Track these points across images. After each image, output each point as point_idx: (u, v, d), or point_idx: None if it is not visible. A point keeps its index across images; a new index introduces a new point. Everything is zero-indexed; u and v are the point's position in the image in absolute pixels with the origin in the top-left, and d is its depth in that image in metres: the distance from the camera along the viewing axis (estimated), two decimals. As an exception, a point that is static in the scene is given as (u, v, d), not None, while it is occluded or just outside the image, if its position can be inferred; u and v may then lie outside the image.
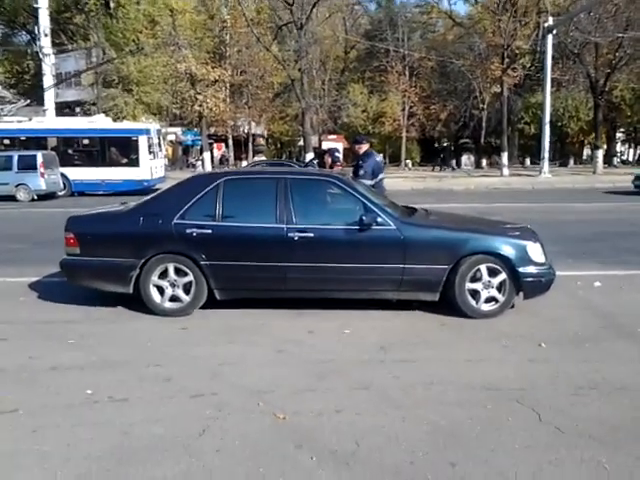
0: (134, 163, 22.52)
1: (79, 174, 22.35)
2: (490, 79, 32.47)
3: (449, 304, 5.86)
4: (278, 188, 5.89)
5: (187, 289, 5.92)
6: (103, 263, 5.95)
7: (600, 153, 30.33)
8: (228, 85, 37.36)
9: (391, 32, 42.22)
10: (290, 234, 5.74)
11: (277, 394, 4.04)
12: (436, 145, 45.62)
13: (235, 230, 5.85)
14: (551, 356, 4.77)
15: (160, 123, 32.55)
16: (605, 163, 32.22)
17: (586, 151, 49.12)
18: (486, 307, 5.83)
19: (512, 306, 5.91)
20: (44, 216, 15.94)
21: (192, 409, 3.82)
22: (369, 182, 7.43)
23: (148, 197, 6.26)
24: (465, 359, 4.72)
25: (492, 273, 5.78)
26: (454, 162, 42.23)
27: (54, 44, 34.85)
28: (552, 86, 29.69)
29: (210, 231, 5.81)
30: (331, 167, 7.70)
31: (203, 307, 6.02)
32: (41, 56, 27.09)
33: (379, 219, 5.74)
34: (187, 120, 36.91)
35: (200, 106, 29.87)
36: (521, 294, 5.89)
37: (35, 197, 20.67)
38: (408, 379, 4.29)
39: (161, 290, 5.93)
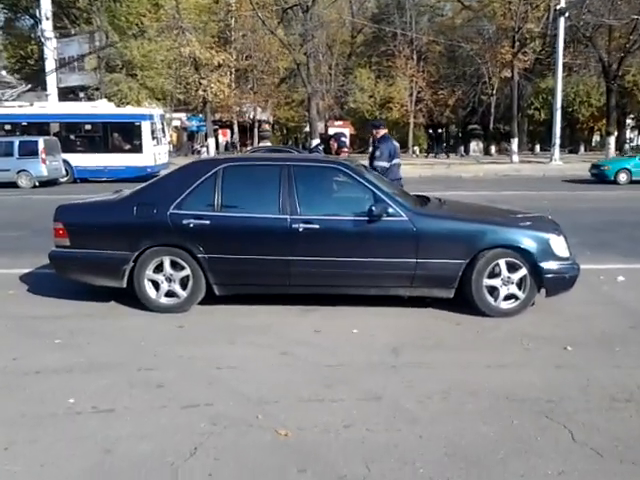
0: (137, 149, 22.09)
1: (81, 160, 21.93)
2: (500, 63, 31.75)
3: (465, 301, 5.46)
4: (281, 176, 5.48)
5: (184, 284, 5.53)
6: (94, 256, 5.57)
7: (612, 139, 29.64)
8: (233, 70, 36.85)
9: (398, 16, 41.38)
10: (294, 225, 5.34)
11: (279, 405, 3.66)
12: (430, 131, 44.73)
13: (235, 221, 5.46)
14: (579, 361, 4.37)
15: (164, 109, 32.12)
16: (616, 150, 31.55)
17: (595, 137, 48.35)
18: (505, 305, 5.42)
19: (532, 303, 5.50)
20: (45, 203, 15.49)
21: (184, 422, 3.44)
22: (385, 164, 7.07)
23: (142, 185, 5.86)
24: (484, 364, 4.32)
25: (512, 268, 5.36)
26: (462, 148, 41.57)
27: (57, 28, 34.39)
28: (563, 71, 28.96)
29: (208, 222, 5.41)
30: (337, 153, 7.28)
31: (202, 303, 5.64)
32: (43, 40, 26.65)
33: (390, 209, 5.33)
34: (192, 106, 36.39)
35: (204, 91, 29.31)
36: (542, 291, 5.47)
37: (37, 184, 20.31)
38: (423, 387, 3.89)
39: (156, 285, 5.55)
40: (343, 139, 7.36)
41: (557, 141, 28.01)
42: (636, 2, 27.23)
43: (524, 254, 5.33)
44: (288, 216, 5.37)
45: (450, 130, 53.76)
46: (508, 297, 5.42)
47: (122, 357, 4.48)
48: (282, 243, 5.40)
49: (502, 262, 5.35)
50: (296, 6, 30.79)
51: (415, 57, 40.60)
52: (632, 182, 20.33)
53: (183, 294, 5.54)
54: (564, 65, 29.73)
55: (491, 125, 41.24)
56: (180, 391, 3.88)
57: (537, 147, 42.96)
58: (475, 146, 40.83)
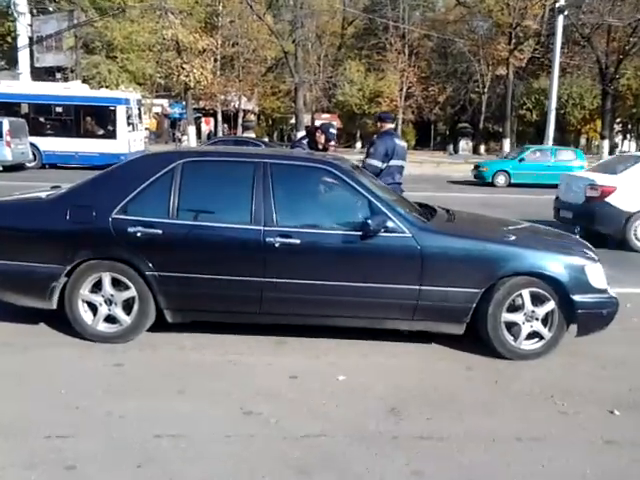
0: (111, 135, 20.72)
1: (51, 144, 20.52)
2: (495, 60, 30.79)
3: (476, 337, 4.42)
4: (255, 176, 4.36)
5: (128, 307, 4.41)
6: (16, 269, 4.41)
7: (606, 143, 28.85)
8: (219, 57, 35.46)
9: (391, 9, 40.22)
10: (269, 239, 4.23)
11: (233, 508, 2.57)
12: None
13: (194, 231, 4.34)
14: (634, 434, 3.33)
15: (144, 93, 30.72)
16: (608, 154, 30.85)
17: (582, 141, 47.69)
18: (527, 345, 4.38)
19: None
20: (7, 190, 14.27)
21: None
22: (377, 163, 5.93)
23: (79, 182, 4.70)
24: (513, 435, 3.28)
25: (537, 301, 4.33)
26: (451, 147, 40.64)
27: (37, 6, 32.75)
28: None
29: (160, 231, 4.28)
30: (325, 148, 6.14)
31: (149, 329, 4.52)
32: (15, 15, 25.01)
33: (389, 223, 4.24)
34: (174, 91, 34.96)
35: (186, 76, 27.96)
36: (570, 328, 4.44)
37: (0, 168, 18.90)
38: (438, 477, 2.83)
39: (93, 308, 4.42)
40: (332, 131, 6.19)
41: (550, 143, 27.07)
42: (638, 3, 26.38)
43: (553, 284, 4.28)
44: (262, 227, 4.27)
45: (438, 128, 52.90)
46: (531, 335, 4.38)
47: (30, 414, 3.35)
48: (253, 261, 4.30)
49: (526, 293, 4.30)
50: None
51: (406, 52, 39.45)
52: (511, 185, 19.61)
53: (126, 320, 4.41)
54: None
55: (481, 124, 40.34)
56: (97, 477, 2.77)
57: (527, 148, 42.09)
58: (465, 145, 39.93)
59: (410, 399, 3.65)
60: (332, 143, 6.33)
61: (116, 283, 4.38)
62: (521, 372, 4.16)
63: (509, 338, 4.35)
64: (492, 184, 19.67)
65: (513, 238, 4.51)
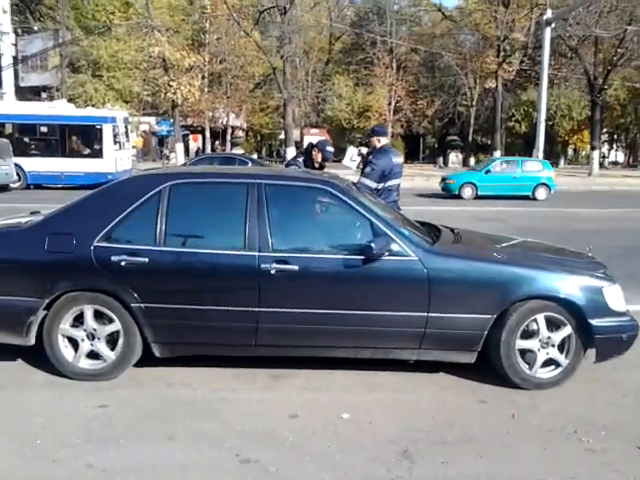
0: (97, 154, 20.33)
1: (36, 165, 20.10)
2: (484, 73, 30.81)
3: (486, 364, 4.13)
4: (248, 198, 4.06)
5: (112, 342, 4.08)
6: (-10, 302, 4.07)
7: (596, 154, 28.88)
8: (206, 74, 35.29)
9: (378, 24, 40.35)
10: (264, 265, 3.93)
11: None
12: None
13: (183, 258, 4.03)
14: (670, 476, 3.03)
15: (132, 112, 30.43)
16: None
17: (570, 151, 47.84)
18: (543, 374, 4.09)
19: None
20: (-13, 213, 13.93)
21: None
22: (371, 184, 5.58)
23: (58, 208, 4.37)
24: (538, 479, 2.96)
25: (553, 326, 4.04)
26: (441, 160, 40.57)
27: (21, 25, 32.52)
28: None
29: (147, 259, 3.96)
30: (321, 167, 5.85)
31: (138, 363, 4.18)
32: (-1, 34, 24.73)
33: (394, 246, 3.95)
34: (161, 109, 34.69)
35: (174, 94, 27.69)
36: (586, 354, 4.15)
37: (-16, 190, 18.51)
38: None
39: (75, 343, 4.09)
40: (329, 149, 5.87)
41: (540, 155, 27.02)
42: (624, 14, 26.52)
43: (570, 308, 4.00)
44: (256, 253, 3.96)
45: (427, 141, 52.92)
46: (547, 363, 4.09)
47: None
48: (247, 289, 3.98)
49: (541, 318, 4.02)
50: (273, 7, 29.38)
51: (394, 66, 39.52)
52: (478, 197, 19.37)
53: (111, 356, 4.07)
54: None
55: (470, 137, 40.35)
56: None
57: (517, 160, 42.14)
58: (454, 157, 39.78)
59: (423, 440, 3.33)
60: (330, 161, 6.03)
61: (99, 316, 4.05)
62: (539, 404, 3.85)
63: (524, 366, 4.05)
64: (459, 196, 19.35)
65: (525, 259, 4.23)
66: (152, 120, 39.44)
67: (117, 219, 4.03)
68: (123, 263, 3.95)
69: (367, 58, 40.05)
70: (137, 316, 3.99)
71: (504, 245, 4.64)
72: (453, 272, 3.98)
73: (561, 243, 5.50)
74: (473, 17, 35.50)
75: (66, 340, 4.08)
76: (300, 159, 5.83)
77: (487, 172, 19.99)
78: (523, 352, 4.06)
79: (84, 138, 20.72)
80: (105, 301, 4.00)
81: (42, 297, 3.99)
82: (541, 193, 19.54)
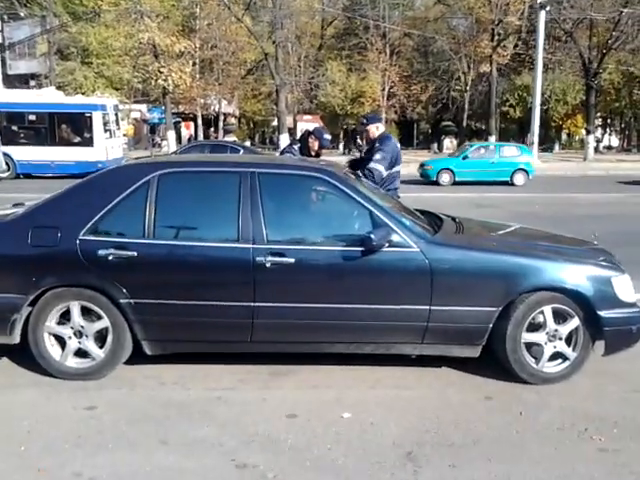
0: (87, 142, 20.01)
1: (25, 154, 19.76)
2: (478, 57, 30.49)
3: (490, 357, 3.98)
4: (242, 188, 3.87)
5: (101, 339, 3.90)
6: (-29, 300, 3.87)
7: (591, 138, 28.72)
8: (197, 60, 34.80)
9: (371, 7, 39.85)
10: (259, 258, 3.74)
11: None
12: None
13: (174, 251, 3.83)
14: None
15: (122, 99, 30.01)
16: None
17: (564, 136, 47.64)
18: (550, 368, 3.94)
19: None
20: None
21: None
22: (383, 171, 5.34)
23: (42, 200, 4.16)
24: (550, 485, 2.82)
25: (560, 318, 3.89)
26: (435, 145, 40.33)
27: (7, 12, 31.96)
28: (540, 67, 27.82)
29: (135, 253, 3.77)
30: (317, 155, 5.64)
31: (128, 362, 4.01)
32: (-16, 21, 24.20)
33: (394, 237, 3.77)
34: (152, 97, 34.24)
35: (164, 80, 27.25)
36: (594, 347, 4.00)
37: (-28, 180, 18.20)
38: None
39: (61, 341, 3.90)
40: (326, 136, 5.65)
41: (536, 139, 26.90)
42: (619, -4, 26.28)
43: (578, 299, 3.84)
44: (250, 245, 3.77)
45: (421, 126, 52.61)
46: (554, 356, 3.94)
47: (-17, 478, 2.83)
48: (241, 283, 3.80)
49: (548, 310, 3.86)
50: (264, -8, 28.93)
51: (388, 51, 39.04)
52: (456, 183, 19.21)
53: (99, 354, 3.89)
54: (541, 61, 28.62)
55: (464, 122, 40.08)
56: None
57: (511, 145, 41.96)
58: (449, 143, 39.56)
59: (428, 441, 3.18)
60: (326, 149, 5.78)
61: (86, 313, 3.86)
62: (547, 400, 3.71)
63: (530, 360, 3.90)
64: (437, 182, 19.13)
65: (531, 248, 4.06)
66: (143, 108, 38.99)
67: (104, 211, 3.83)
68: (110, 257, 3.76)
69: (360, 43, 39.58)
70: (126, 312, 3.81)
71: (501, 232, 4.48)
72: (456, 263, 3.80)
73: (560, 230, 5.35)
74: (467, 1, 35.12)
75: (52, 338, 3.90)
76: (296, 147, 5.61)
77: (464, 158, 19.84)
78: (529, 346, 3.91)
79: (74, 126, 20.41)
80: (92, 297, 3.82)
81: (26, 293, 3.80)
82: (519, 179, 19.40)
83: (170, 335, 3.93)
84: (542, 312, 3.86)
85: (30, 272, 3.81)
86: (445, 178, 19.32)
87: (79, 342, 3.89)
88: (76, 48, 31.09)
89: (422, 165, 20.33)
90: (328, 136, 5.68)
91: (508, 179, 19.34)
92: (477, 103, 38.84)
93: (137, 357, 3.99)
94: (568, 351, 3.92)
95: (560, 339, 3.90)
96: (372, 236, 3.69)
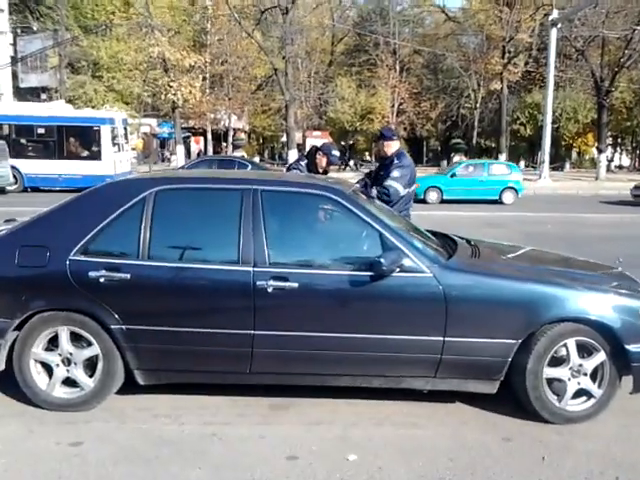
0: (96, 156, 19.96)
1: (33, 167, 19.73)
2: (490, 74, 30.33)
3: (506, 392, 3.68)
4: (243, 206, 3.62)
5: (91, 367, 3.64)
6: (-48, 323, 3.63)
7: (604, 157, 28.41)
8: (208, 75, 34.88)
9: (381, 24, 39.93)
10: (260, 282, 3.48)
11: None
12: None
13: (170, 274, 3.58)
14: None
15: (132, 113, 30.06)
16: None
17: (574, 154, 47.35)
18: (574, 406, 3.63)
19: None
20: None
21: None
22: (401, 189, 5.09)
23: (31, 218, 3.93)
24: None
25: (585, 352, 3.60)
26: (445, 163, 40.11)
27: (20, 25, 32.23)
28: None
29: (128, 275, 3.52)
30: (325, 172, 5.39)
31: (120, 391, 3.75)
32: (-4, 34, 24.35)
33: (406, 261, 3.50)
34: (162, 111, 34.27)
35: (174, 95, 27.26)
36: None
37: (-21, 192, 18.12)
38: None
39: (49, 369, 3.65)
40: (335, 153, 5.40)
41: (547, 158, 26.62)
42: (631, 15, 26.06)
43: (604, 331, 3.55)
44: (251, 268, 3.52)
45: (430, 144, 52.47)
46: (577, 394, 3.64)
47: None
48: (241, 309, 3.54)
49: (571, 343, 3.57)
50: (275, 7, 28.98)
51: (397, 67, 39.09)
52: (444, 201, 18.80)
53: (89, 383, 3.63)
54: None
55: (474, 140, 39.90)
56: None
57: (522, 163, 41.79)
58: (459, 160, 39.38)
59: (442, 489, 2.89)
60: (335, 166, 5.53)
61: (76, 339, 3.62)
62: (571, 442, 3.40)
63: (552, 398, 3.60)
64: (424, 201, 18.60)
65: (554, 275, 3.78)
66: (153, 122, 39.09)
67: (96, 230, 3.59)
68: (102, 279, 3.51)
69: (370, 60, 39.63)
70: (118, 339, 3.55)
71: (528, 259, 4.20)
72: (473, 291, 3.53)
73: (571, 252, 5.07)
74: (477, 18, 35.06)
75: (39, 365, 3.65)
76: (303, 163, 5.36)
77: (452, 175, 19.58)
78: (550, 381, 3.61)
79: (82, 140, 20.36)
80: (82, 322, 3.57)
81: (12, 317, 3.55)
82: (508, 197, 19.12)
83: (164, 364, 3.66)
84: (565, 345, 3.57)
85: (16, 294, 3.58)
86: (433, 196, 18.97)
87: (67, 370, 3.63)
88: (87, 62, 31.26)
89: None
90: (337, 152, 5.44)
91: (497, 197, 19.06)
92: (487, 121, 38.66)
93: (130, 386, 3.73)
94: (593, 388, 3.62)
95: (585, 375, 3.60)
96: (382, 260, 3.43)
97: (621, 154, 52.17)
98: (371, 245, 3.63)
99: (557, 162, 40.02)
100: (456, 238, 4.44)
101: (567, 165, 40.57)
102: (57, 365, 3.62)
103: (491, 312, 3.52)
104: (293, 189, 3.90)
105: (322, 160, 5.32)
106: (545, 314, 3.52)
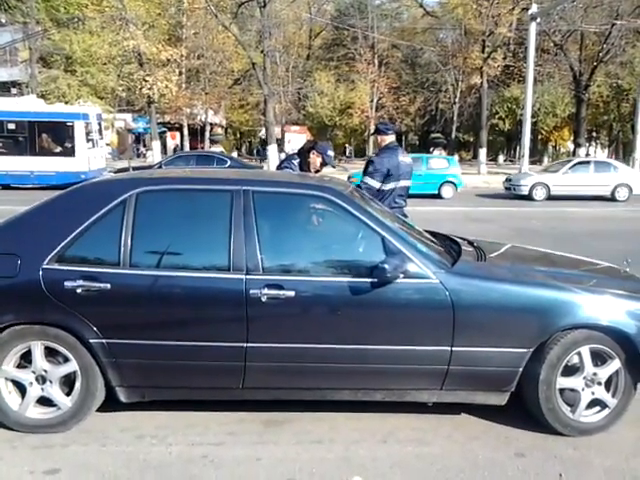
0: (69, 152, 19.36)
1: (4, 164, 19.06)
2: (470, 68, 30.26)
3: (516, 404, 3.47)
4: (233, 208, 3.34)
5: (68, 385, 3.34)
6: None
7: (582, 151, 28.56)
8: (184, 70, 34.29)
9: (359, 18, 39.65)
10: (253, 291, 3.20)
11: None
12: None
13: (154, 283, 3.27)
14: None
15: (107, 108, 29.39)
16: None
17: (550, 149, 47.69)
18: (588, 417, 3.43)
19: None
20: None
21: None
22: (375, 184, 5.02)
23: (1, 221, 3.59)
24: None
25: (599, 360, 3.39)
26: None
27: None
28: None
29: (108, 285, 3.21)
30: (317, 172, 5.12)
31: (101, 409, 3.45)
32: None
33: (410, 266, 3.26)
34: (137, 106, 33.60)
35: (149, 89, 26.66)
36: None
37: (-53, 190, 17.46)
38: None
39: (22, 387, 3.33)
40: (330, 153, 5.14)
41: (526, 152, 26.56)
42: (610, 10, 26.16)
43: (618, 338, 3.36)
44: (243, 275, 3.24)
45: (409, 138, 52.41)
46: (591, 404, 3.43)
47: None
48: (233, 320, 3.26)
49: (585, 351, 3.36)
50: (252, 0, 28.51)
51: (376, 62, 38.84)
52: None
53: (66, 403, 3.32)
54: (530, 74, 28.47)
55: (453, 134, 39.90)
56: None
57: (500, 158, 41.93)
58: (438, 154, 39.35)
59: (457, 516, 2.65)
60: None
61: (51, 354, 3.30)
62: (587, 457, 3.19)
63: (565, 409, 3.39)
64: None
65: (566, 279, 3.56)
66: (128, 117, 38.37)
67: (72, 235, 3.27)
68: (79, 290, 3.20)
69: (348, 54, 39.36)
70: (98, 354, 3.25)
71: (536, 262, 3.99)
72: (481, 297, 3.29)
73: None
74: (455, 12, 34.96)
75: (10, 384, 3.34)
76: (295, 161, 5.08)
77: None
78: (562, 391, 3.40)
79: (55, 135, 19.74)
80: (58, 336, 3.25)
81: (-21, 332, 3.23)
82: (447, 191, 19.11)
83: (149, 381, 3.37)
84: (579, 353, 3.36)
85: (-16, 307, 3.25)
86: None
87: (42, 389, 3.32)
88: (59, 56, 30.43)
89: (348, 178, 19.93)
90: (332, 153, 5.19)
91: (436, 191, 19.02)
92: (466, 115, 38.66)
93: (111, 405, 3.43)
94: (608, 397, 3.42)
95: (599, 384, 3.41)
96: (385, 266, 3.18)
97: (596, 148, 52.69)
98: (372, 249, 3.37)
99: (535, 156, 40.23)
100: (457, 239, 4.21)
101: (545, 159, 40.78)
102: (30, 383, 3.31)
103: (501, 320, 3.30)
104: (287, 190, 3.62)
105: (316, 160, 5.05)
106: (558, 321, 3.30)
